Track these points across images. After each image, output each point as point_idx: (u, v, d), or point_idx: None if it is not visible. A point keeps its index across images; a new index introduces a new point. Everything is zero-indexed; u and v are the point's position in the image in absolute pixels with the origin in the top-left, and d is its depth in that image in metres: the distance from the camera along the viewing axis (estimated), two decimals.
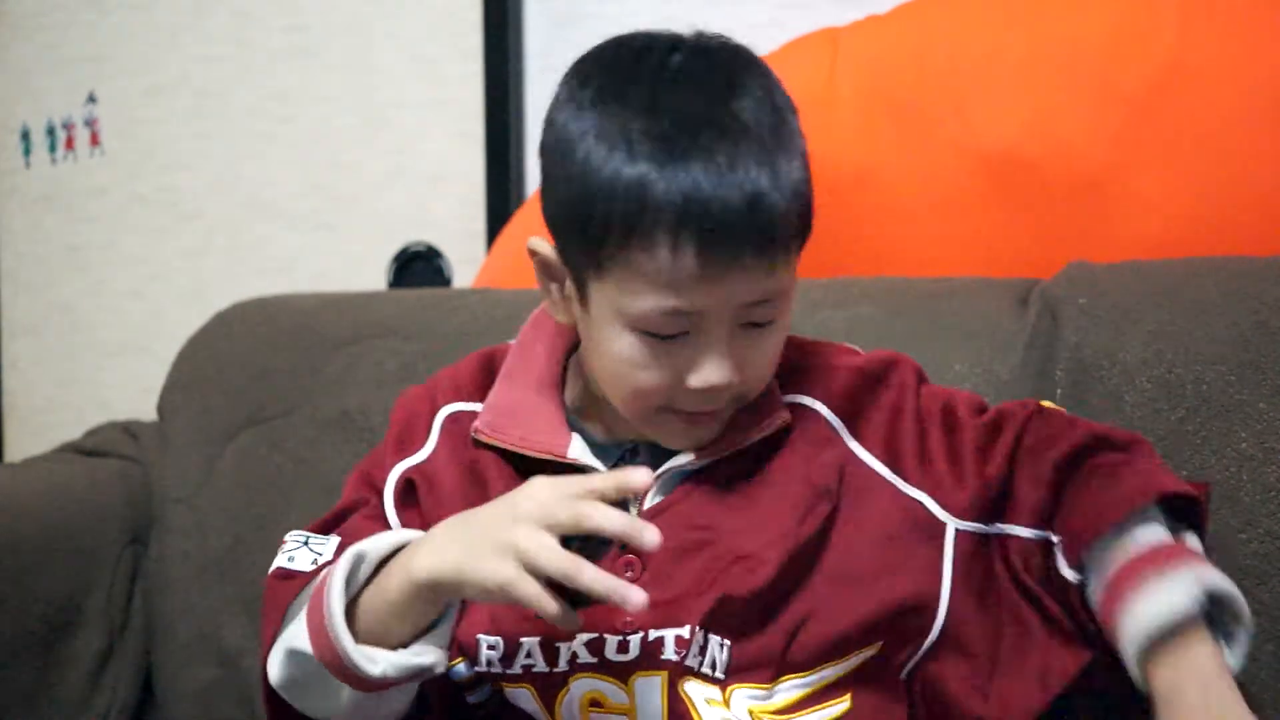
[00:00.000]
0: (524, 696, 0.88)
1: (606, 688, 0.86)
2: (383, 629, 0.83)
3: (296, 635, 0.85)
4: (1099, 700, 0.91)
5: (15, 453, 2.03)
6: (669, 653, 0.85)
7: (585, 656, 0.87)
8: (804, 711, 0.87)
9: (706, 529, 0.88)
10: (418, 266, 1.79)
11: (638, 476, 0.78)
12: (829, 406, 0.93)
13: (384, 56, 1.80)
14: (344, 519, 0.95)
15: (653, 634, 0.86)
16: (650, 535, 0.76)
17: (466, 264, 1.77)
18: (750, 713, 0.85)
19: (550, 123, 0.88)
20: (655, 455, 0.91)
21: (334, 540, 0.91)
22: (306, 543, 0.92)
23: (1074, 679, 0.87)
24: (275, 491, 1.32)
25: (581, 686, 0.86)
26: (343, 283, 1.82)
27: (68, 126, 1.99)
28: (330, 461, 1.30)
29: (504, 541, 0.77)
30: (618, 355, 0.86)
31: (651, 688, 0.85)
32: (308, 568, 0.89)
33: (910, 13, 1.37)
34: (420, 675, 0.84)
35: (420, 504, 0.94)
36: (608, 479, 0.79)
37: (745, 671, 0.87)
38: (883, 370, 0.95)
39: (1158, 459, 0.91)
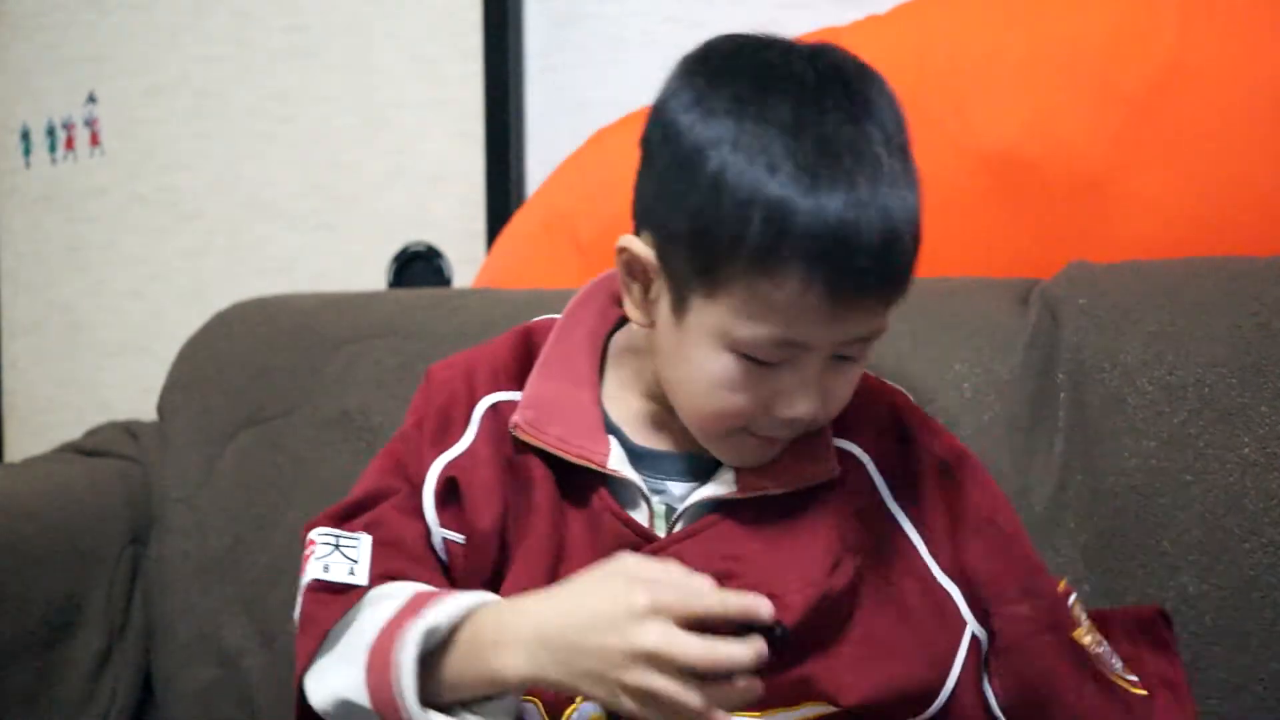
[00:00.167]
0: (531, 711, 0.86)
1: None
2: (453, 695, 0.81)
3: (351, 687, 0.81)
4: None
5: (15, 453, 2.03)
6: None
7: None
8: None
9: (734, 560, 0.85)
10: (418, 266, 1.79)
11: (763, 609, 0.74)
12: (873, 458, 0.91)
13: (384, 56, 1.80)
14: (369, 507, 0.91)
15: None
16: (766, 608, 0.74)
17: (466, 264, 1.77)
18: None
19: (670, 121, 0.82)
20: (691, 470, 0.89)
21: (365, 541, 0.88)
22: (338, 545, 0.88)
23: None
24: (275, 491, 1.32)
25: (591, 706, 0.84)
26: (343, 283, 1.82)
27: (68, 126, 1.99)
28: (330, 461, 1.30)
29: (622, 668, 0.74)
30: (709, 375, 0.82)
31: None
32: (345, 578, 0.85)
33: (910, 13, 1.37)
34: None
35: (461, 501, 0.90)
36: (729, 602, 0.75)
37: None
38: (933, 434, 0.93)
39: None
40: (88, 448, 1.45)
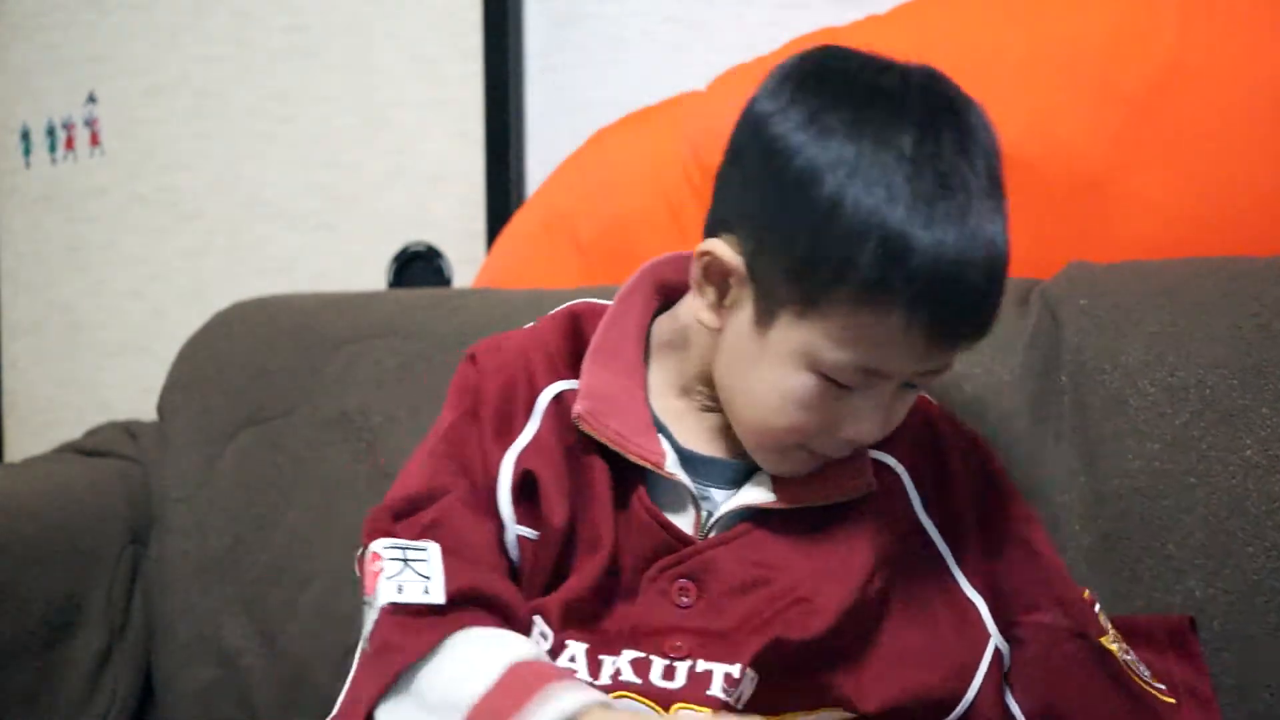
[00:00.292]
0: (578, 656, 0.86)
1: (647, 711, 0.83)
2: None
3: None
4: None
5: (15, 453, 2.03)
6: (716, 689, 0.82)
7: (629, 675, 0.84)
8: None
9: (768, 568, 0.86)
10: (418, 266, 1.79)
11: None
12: (907, 470, 0.91)
13: (384, 56, 1.80)
14: (425, 505, 0.87)
15: (701, 665, 0.83)
16: None
17: (466, 264, 1.77)
18: None
19: (779, 137, 0.80)
20: (732, 477, 0.89)
21: (434, 551, 0.83)
22: (406, 561, 0.83)
23: None
24: (275, 491, 1.32)
25: (622, 705, 0.83)
26: (343, 283, 1.82)
27: (68, 126, 1.99)
28: (330, 461, 1.30)
29: None
30: (785, 391, 0.82)
31: None
32: (421, 598, 0.81)
33: (910, 13, 1.37)
34: None
35: (537, 496, 0.88)
36: None
37: (761, 706, 0.85)
38: (967, 447, 0.94)
39: None
40: (88, 448, 1.45)
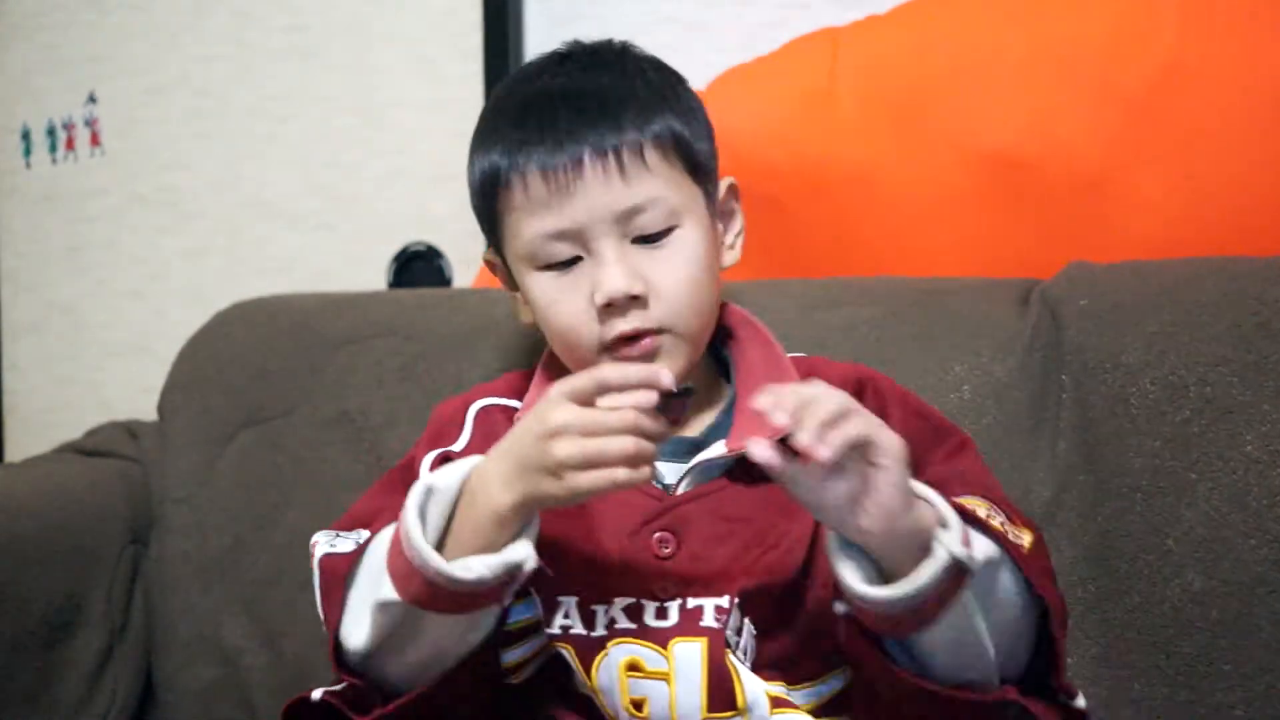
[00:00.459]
0: (565, 655, 0.90)
1: (645, 653, 0.87)
2: (484, 546, 0.83)
3: (379, 588, 0.84)
4: None
5: (15, 453, 2.03)
6: (709, 619, 0.87)
7: (624, 622, 0.88)
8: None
9: (736, 520, 0.90)
10: (418, 266, 1.79)
11: (663, 375, 0.80)
12: None
13: (384, 56, 1.80)
14: (366, 522, 0.95)
15: (691, 601, 0.88)
16: (666, 375, 0.80)
17: (466, 264, 1.77)
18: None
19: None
20: (674, 450, 0.94)
21: (365, 533, 0.92)
22: (338, 535, 0.94)
23: None
24: (275, 491, 1.32)
25: (620, 651, 0.88)
26: (343, 283, 1.82)
27: (68, 126, 1.99)
28: (330, 461, 1.30)
29: (542, 452, 0.80)
30: (537, 302, 0.95)
31: (691, 653, 0.86)
32: (354, 548, 0.90)
33: (910, 13, 1.37)
34: (513, 574, 0.82)
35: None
36: (628, 371, 0.81)
37: (768, 669, 0.88)
38: (901, 394, 0.99)
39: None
40: (88, 448, 1.45)
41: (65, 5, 1.97)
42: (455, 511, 0.85)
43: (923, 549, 0.78)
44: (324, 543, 0.93)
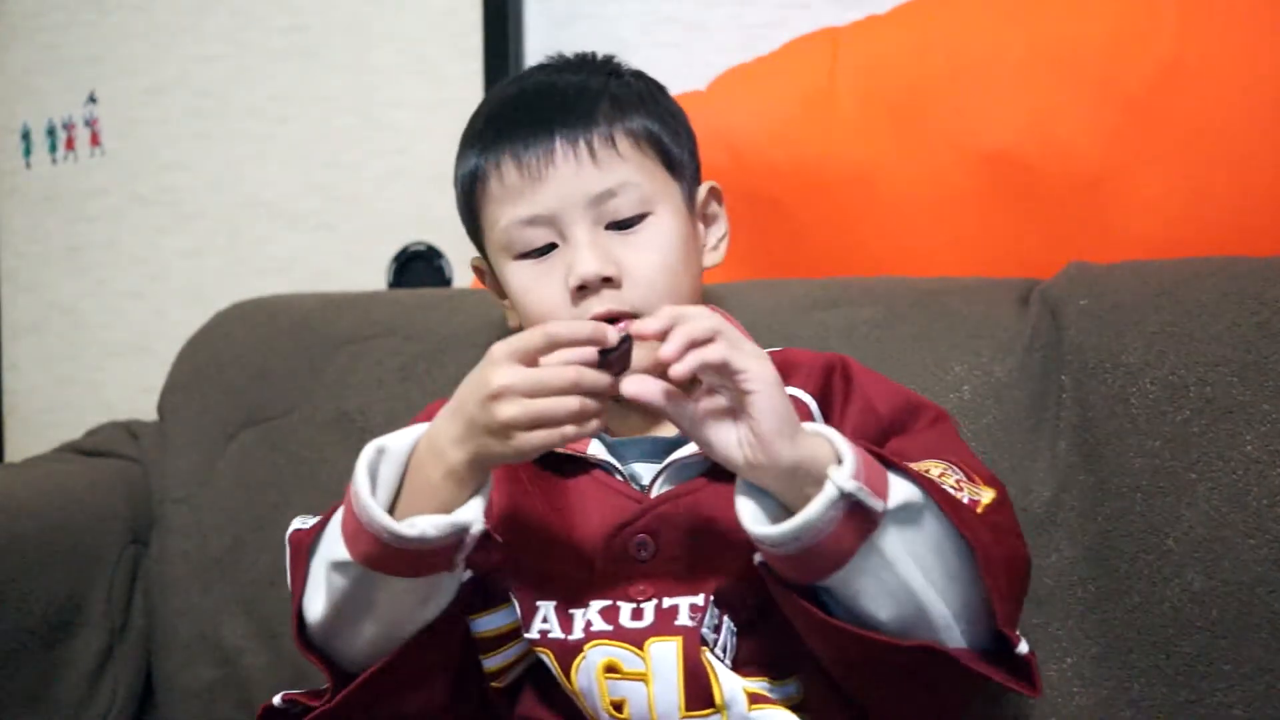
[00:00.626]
0: (545, 659, 0.91)
1: (622, 654, 0.88)
2: (438, 506, 0.83)
3: (331, 549, 0.86)
4: None
5: (15, 453, 2.03)
6: (683, 618, 0.87)
7: (600, 624, 0.89)
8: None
9: (720, 520, 0.89)
10: (418, 266, 1.79)
11: (609, 332, 0.81)
12: (814, 398, 0.96)
13: (384, 56, 1.80)
14: None
15: (667, 601, 0.88)
16: (612, 332, 0.80)
17: (466, 264, 1.76)
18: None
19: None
20: (651, 450, 0.95)
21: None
22: (313, 517, 0.94)
23: None
24: (275, 491, 1.32)
25: (598, 654, 0.88)
26: (343, 283, 1.82)
27: (68, 126, 1.99)
28: (330, 462, 1.30)
29: (488, 413, 0.80)
30: (515, 291, 0.96)
31: (667, 653, 0.87)
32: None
33: (910, 13, 1.37)
34: (461, 536, 0.83)
35: None
36: (576, 326, 0.82)
37: (750, 666, 0.88)
38: (876, 377, 0.99)
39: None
40: (88, 448, 1.45)
41: (65, 5, 1.97)
42: (408, 472, 0.85)
43: (818, 486, 0.77)
44: (297, 523, 0.94)
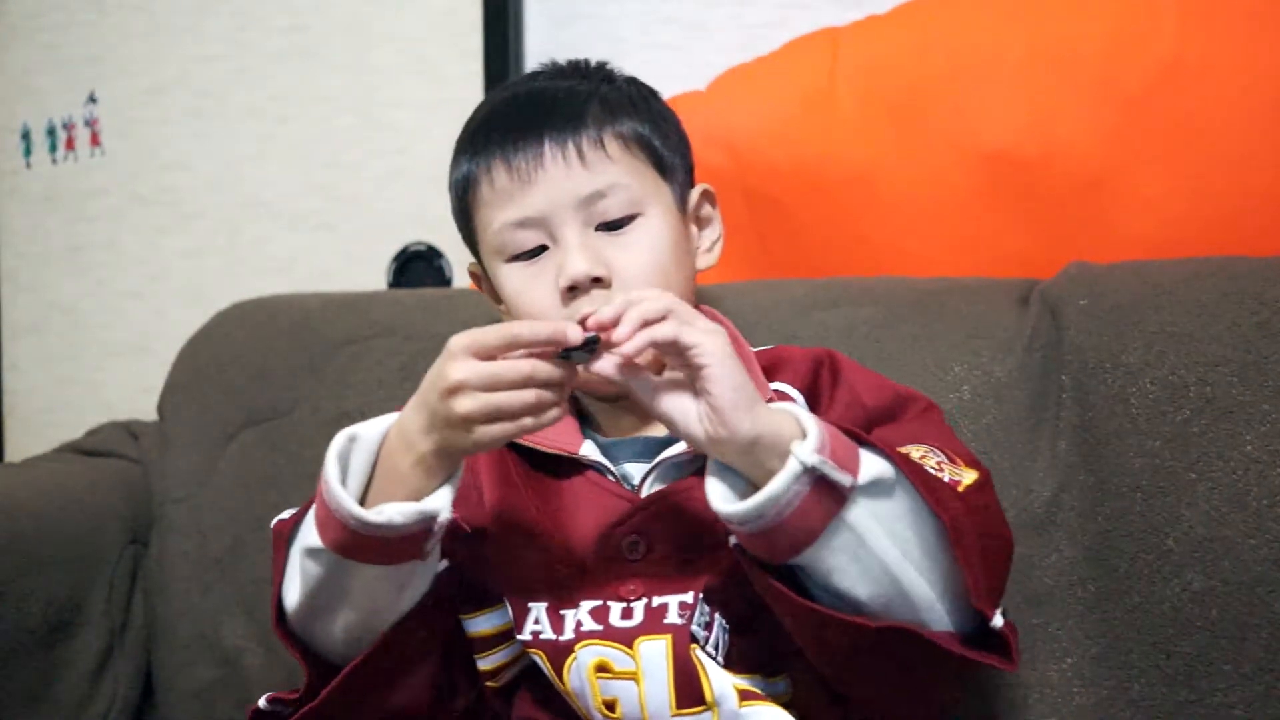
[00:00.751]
0: (538, 660, 0.91)
1: (612, 654, 0.88)
2: (408, 494, 0.84)
3: (306, 536, 0.87)
4: None
5: (15, 453, 2.03)
6: (673, 616, 0.88)
7: (590, 624, 0.89)
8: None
9: (711, 518, 0.88)
10: (418, 266, 1.79)
11: (573, 334, 0.80)
12: (801, 392, 0.97)
13: (384, 56, 1.80)
14: None
15: (656, 600, 0.89)
16: (574, 330, 0.80)
17: (466, 264, 1.76)
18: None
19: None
20: (642, 450, 0.96)
21: None
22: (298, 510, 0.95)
23: None
24: (275, 491, 1.32)
25: (588, 654, 0.88)
26: (343, 283, 1.82)
27: (68, 126, 1.99)
28: None
29: (447, 407, 0.81)
30: (508, 293, 0.97)
31: (656, 651, 0.87)
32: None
33: (910, 13, 1.37)
34: (429, 524, 0.84)
35: None
36: (538, 325, 0.82)
37: (743, 662, 0.88)
38: (865, 372, 1.00)
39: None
40: (88, 448, 1.45)
41: (65, 5, 1.97)
42: (379, 460, 0.86)
43: (782, 461, 0.78)
44: (284, 514, 0.95)
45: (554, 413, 0.81)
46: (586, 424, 1.00)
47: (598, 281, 0.93)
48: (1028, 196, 1.26)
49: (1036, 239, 1.27)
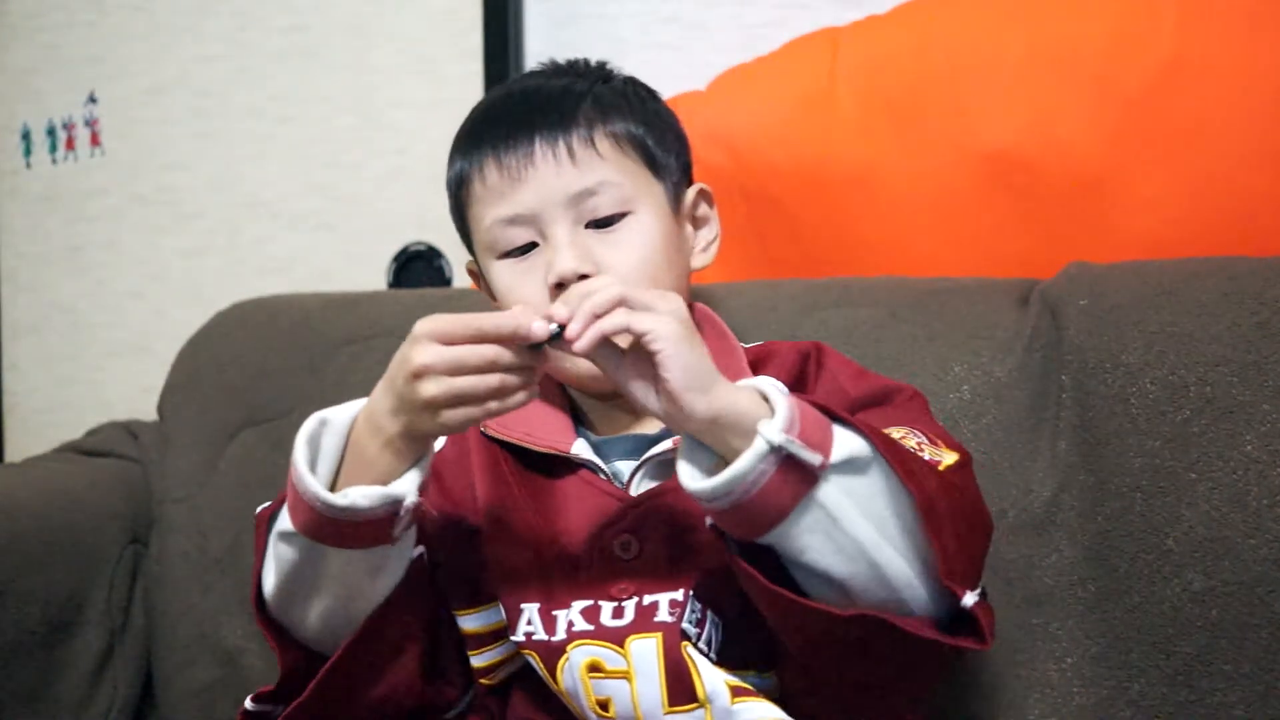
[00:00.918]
0: (531, 661, 0.92)
1: (604, 653, 0.89)
2: (377, 477, 0.85)
3: (280, 520, 0.88)
4: None
5: (15, 453, 2.03)
6: (663, 615, 0.88)
7: (581, 624, 0.90)
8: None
9: (698, 515, 0.89)
10: (418, 266, 1.79)
11: (538, 329, 0.80)
12: (785, 382, 0.95)
13: (384, 56, 1.80)
14: None
15: (647, 598, 0.89)
16: (539, 325, 0.80)
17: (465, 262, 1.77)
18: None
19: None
20: (632, 448, 0.96)
21: None
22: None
23: None
24: (275, 491, 1.30)
25: (581, 654, 0.89)
26: (343, 283, 1.82)
27: (68, 126, 1.99)
28: None
29: (412, 391, 0.81)
30: (500, 291, 0.97)
31: (647, 649, 0.88)
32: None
33: (910, 13, 1.37)
34: (395, 509, 0.84)
35: (439, 478, 0.98)
36: (502, 318, 0.81)
37: (737, 659, 0.88)
38: (812, 350, 1.01)
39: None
40: (88, 448, 1.45)
41: (65, 5, 1.97)
42: (349, 444, 0.86)
43: (748, 439, 0.78)
44: (266, 504, 0.95)
45: (520, 396, 0.82)
46: (580, 422, 1.00)
47: (585, 279, 0.93)
48: (1028, 196, 1.26)
49: (1036, 239, 1.27)
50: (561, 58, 1.07)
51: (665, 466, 0.93)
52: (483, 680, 0.96)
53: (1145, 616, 1.01)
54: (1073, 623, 1.05)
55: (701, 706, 0.86)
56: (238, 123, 1.88)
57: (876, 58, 1.34)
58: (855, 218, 1.33)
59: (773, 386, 0.80)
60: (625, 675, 0.88)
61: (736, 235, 1.21)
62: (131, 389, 1.95)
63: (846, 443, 0.80)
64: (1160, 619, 1.01)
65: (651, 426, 0.98)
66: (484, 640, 0.95)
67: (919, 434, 0.88)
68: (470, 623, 0.96)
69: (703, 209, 1.05)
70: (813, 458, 0.77)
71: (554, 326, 0.80)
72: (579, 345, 0.79)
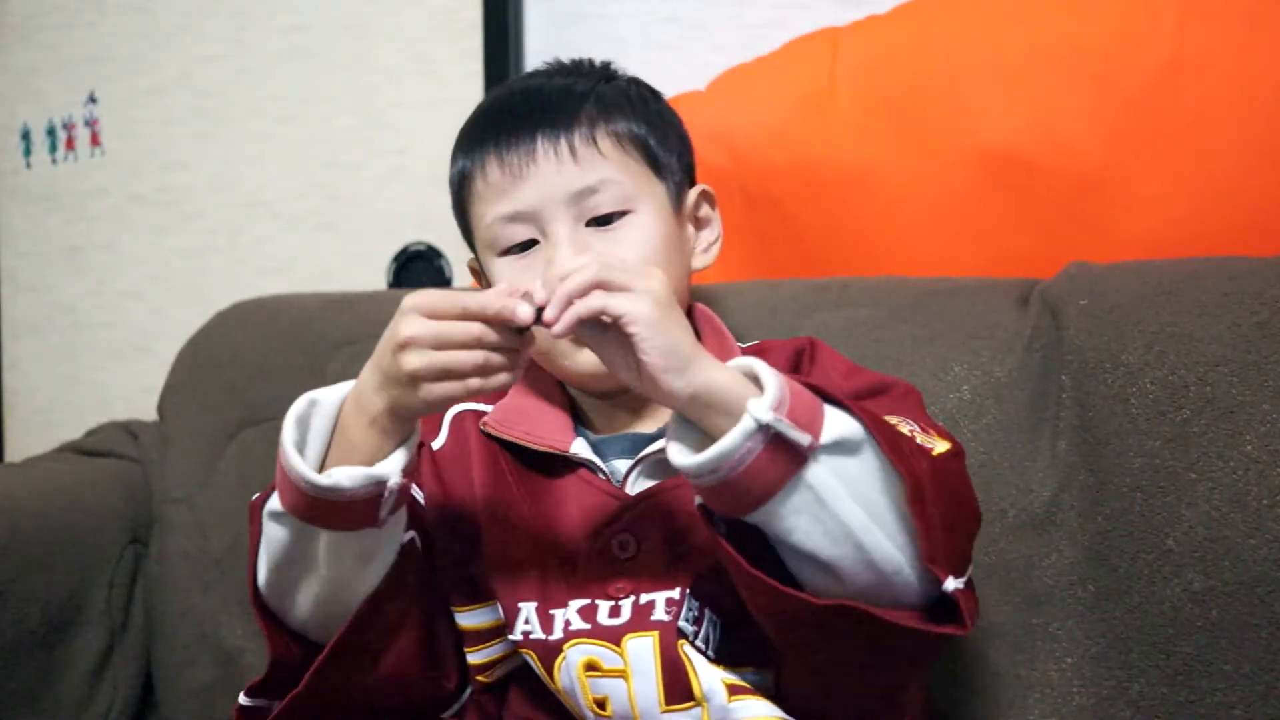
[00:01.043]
0: (529, 660, 0.92)
1: (601, 652, 0.89)
2: (364, 457, 0.85)
3: (271, 501, 0.89)
4: None
5: (15, 453, 2.03)
6: (659, 613, 0.88)
7: (578, 623, 0.90)
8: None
9: (690, 513, 0.89)
10: (418, 266, 1.79)
11: (522, 313, 0.80)
12: None
13: (384, 56, 1.80)
14: None
15: (644, 597, 0.89)
16: (524, 310, 0.80)
17: (465, 264, 1.77)
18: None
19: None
20: (629, 447, 0.96)
21: None
22: None
23: None
24: None
25: (577, 653, 0.89)
26: (343, 283, 1.82)
27: (68, 126, 1.99)
28: None
29: (396, 364, 0.81)
30: (505, 282, 0.94)
31: (644, 648, 0.88)
32: None
33: (910, 13, 1.37)
34: (379, 490, 0.84)
35: (438, 475, 0.99)
36: (486, 297, 0.81)
37: (735, 657, 0.89)
38: (806, 346, 1.01)
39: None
40: (88, 448, 1.45)
41: (65, 5, 1.97)
42: (337, 424, 0.87)
43: (733, 418, 0.77)
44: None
45: (503, 377, 0.82)
46: (580, 421, 1.01)
47: None
48: (1028, 196, 1.26)
49: (1036, 239, 1.27)
50: (562, 58, 1.07)
51: (662, 465, 0.93)
52: (480, 678, 0.97)
53: (1145, 616, 1.01)
54: (1073, 623, 1.05)
55: (698, 705, 0.87)
56: (238, 123, 1.89)
57: (876, 58, 1.34)
58: (855, 218, 1.33)
59: (764, 367, 0.80)
60: (622, 674, 0.88)
61: (736, 235, 1.21)
62: (131, 389, 1.95)
63: (838, 424, 0.79)
64: (1160, 619, 1.01)
65: (650, 425, 0.98)
66: (482, 637, 0.96)
67: (912, 423, 0.88)
68: (468, 619, 0.96)
69: (705, 210, 1.05)
70: (801, 438, 0.77)
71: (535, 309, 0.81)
72: (556, 329, 0.79)
